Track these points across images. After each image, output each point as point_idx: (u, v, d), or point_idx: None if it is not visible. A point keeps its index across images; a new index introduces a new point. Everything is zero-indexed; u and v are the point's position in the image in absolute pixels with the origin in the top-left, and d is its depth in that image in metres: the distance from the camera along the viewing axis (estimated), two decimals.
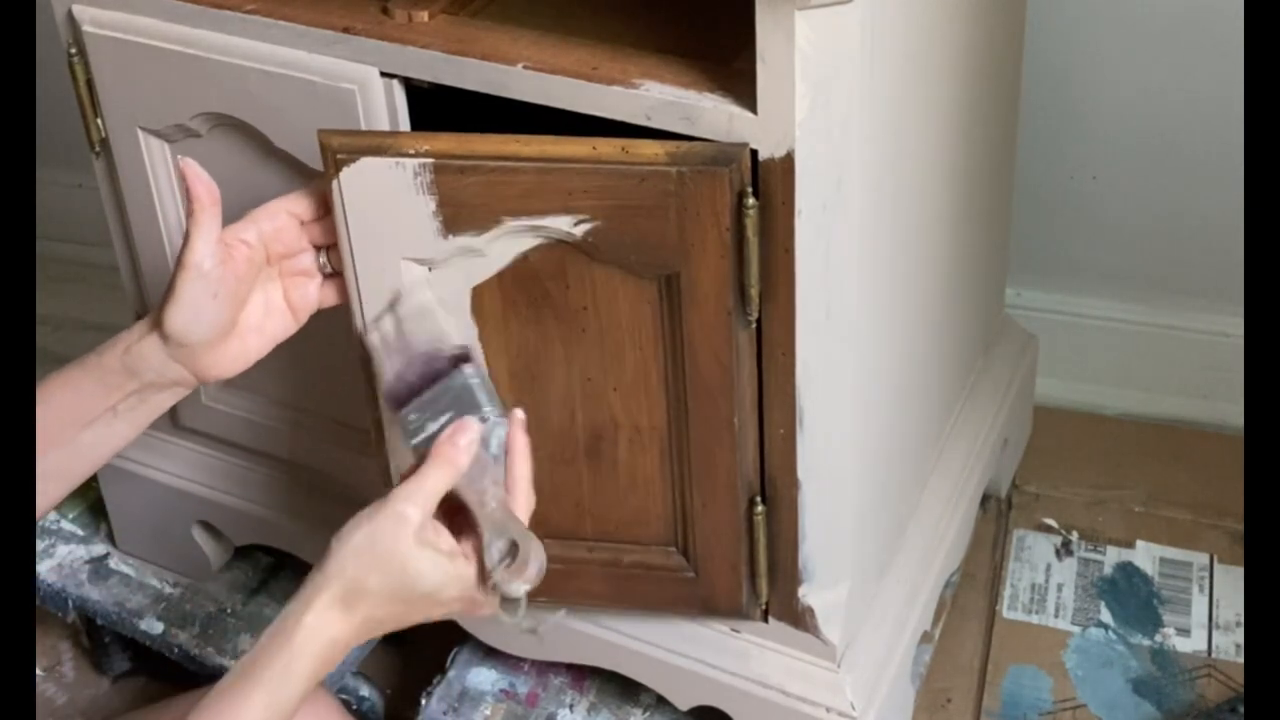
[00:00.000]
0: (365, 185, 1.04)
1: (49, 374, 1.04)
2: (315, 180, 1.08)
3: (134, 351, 1.03)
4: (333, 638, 0.93)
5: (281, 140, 1.16)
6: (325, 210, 1.06)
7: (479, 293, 1.09)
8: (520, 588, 0.95)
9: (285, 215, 1.06)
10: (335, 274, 1.09)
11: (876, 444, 1.21)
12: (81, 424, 1.03)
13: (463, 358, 1.01)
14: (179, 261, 1.01)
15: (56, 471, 1.03)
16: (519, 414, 1.00)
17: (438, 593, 0.95)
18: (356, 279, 1.08)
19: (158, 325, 1.02)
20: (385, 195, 1.04)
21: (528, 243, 1.06)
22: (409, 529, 0.93)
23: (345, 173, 1.03)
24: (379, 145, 1.04)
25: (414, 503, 0.94)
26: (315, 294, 1.09)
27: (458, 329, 1.07)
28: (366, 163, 1.03)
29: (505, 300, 1.09)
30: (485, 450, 0.97)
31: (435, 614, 0.97)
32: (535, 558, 0.95)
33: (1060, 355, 1.73)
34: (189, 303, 1.01)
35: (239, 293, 1.04)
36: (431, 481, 0.95)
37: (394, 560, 0.93)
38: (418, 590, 0.94)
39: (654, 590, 1.20)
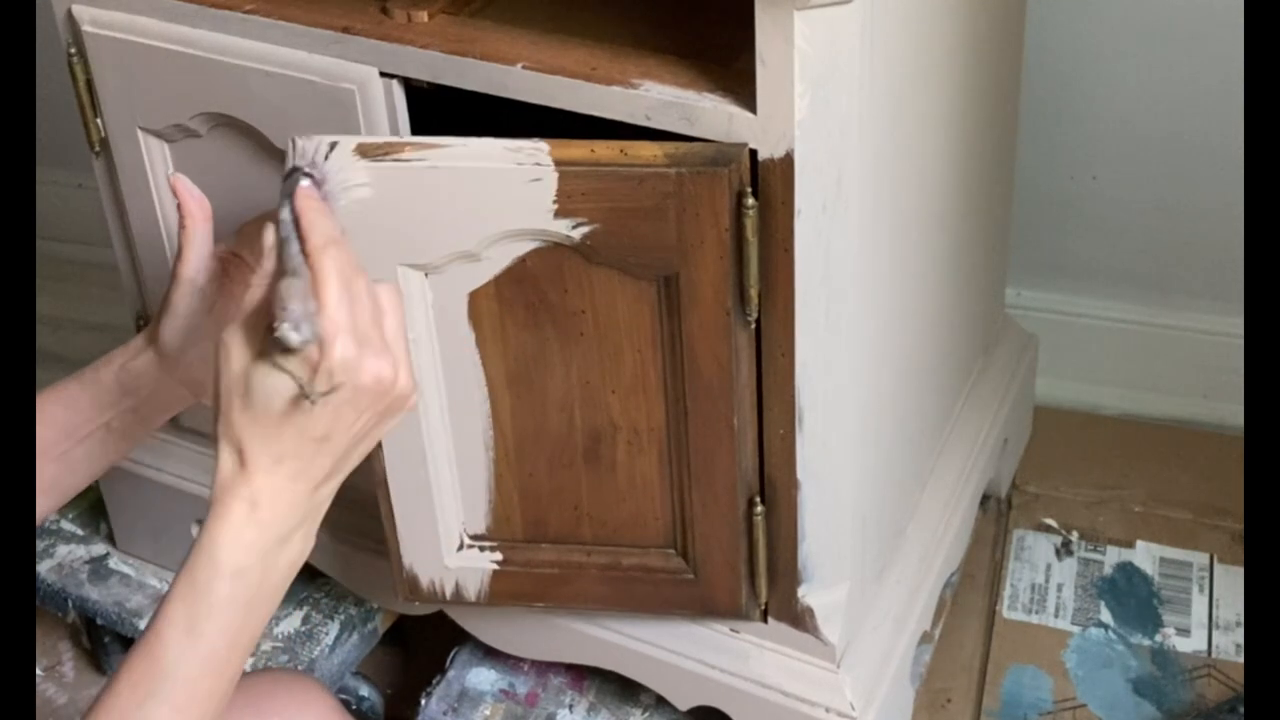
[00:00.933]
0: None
1: (45, 386, 1.03)
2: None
3: (129, 369, 1.03)
4: (247, 499, 0.83)
5: (281, 140, 1.16)
6: None
7: (475, 298, 1.08)
8: (289, 332, 0.81)
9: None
10: None
11: (876, 444, 1.21)
12: (75, 439, 1.03)
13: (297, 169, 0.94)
14: (172, 276, 1.01)
15: (49, 485, 1.03)
16: (302, 184, 0.90)
17: (286, 395, 0.82)
18: None
19: (153, 341, 1.02)
20: (381, 201, 1.04)
21: (525, 246, 1.05)
22: (234, 348, 0.84)
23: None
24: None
25: (233, 326, 0.85)
26: None
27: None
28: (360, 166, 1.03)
29: (502, 305, 1.09)
30: (288, 245, 0.87)
31: (317, 428, 0.83)
32: (301, 305, 0.82)
33: (1060, 355, 1.73)
34: (184, 318, 1.01)
35: (232, 307, 1.03)
36: (248, 300, 0.87)
37: (236, 382, 0.83)
38: (273, 403, 0.82)
39: (653, 592, 1.20)
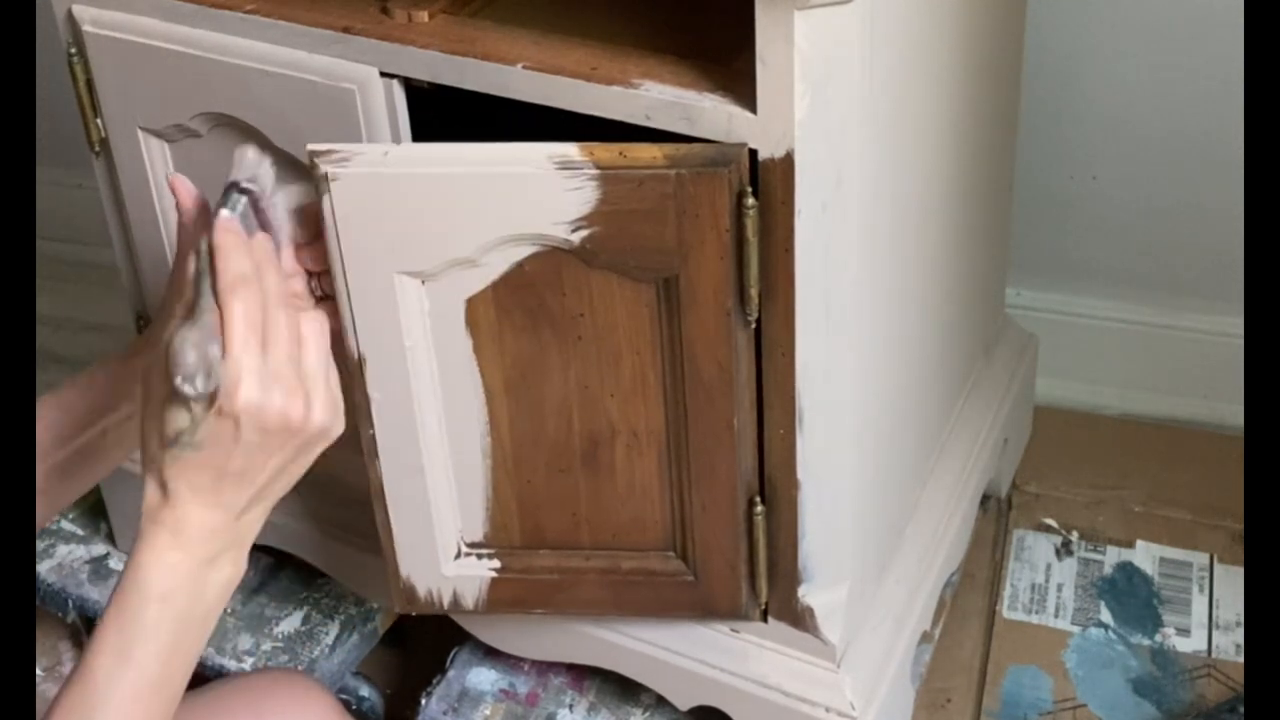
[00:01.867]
0: (357, 200, 1.04)
1: (45, 386, 1.03)
2: (307, 202, 1.06)
3: (128, 368, 1.03)
4: (170, 526, 0.84)
5: (281, 140, 1.16)
6: (317, 232, 1.04)
7: (473, 304, 1.08)
8: (183, 385, 0.83)
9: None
10: (326, 298, 1.08)
11: (876, 444, 1.21)
12: (72, 443, 1.02)
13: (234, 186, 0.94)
14: (170, 279, 1.01)
15: (44, 490, 1.03)
16: (222, 215, 0.90)
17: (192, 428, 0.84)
18: (349, 296, 1.07)
19: (152, 341, 1.02)
20: (378, 209, 1.04)
21: (523, 251, 1.05)
22: (152, 381, 0.86)
23: (336, 187, 1.03)
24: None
25: (151, 355, 0.87)
26: None
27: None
28: (358, 177, 1.03)
29: (500, 310, 1.08)
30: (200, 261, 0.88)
31: (232, 464, 0.84)
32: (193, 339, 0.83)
33: (1060, 355, 1.73)
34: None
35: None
36: (168, 330, 0.87)
37: (154, 416, 0.85)
38: (174, 428, 0.84)
39: (653, 595, 1.20)
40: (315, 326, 0.88)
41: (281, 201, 1.00)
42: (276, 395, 0.84)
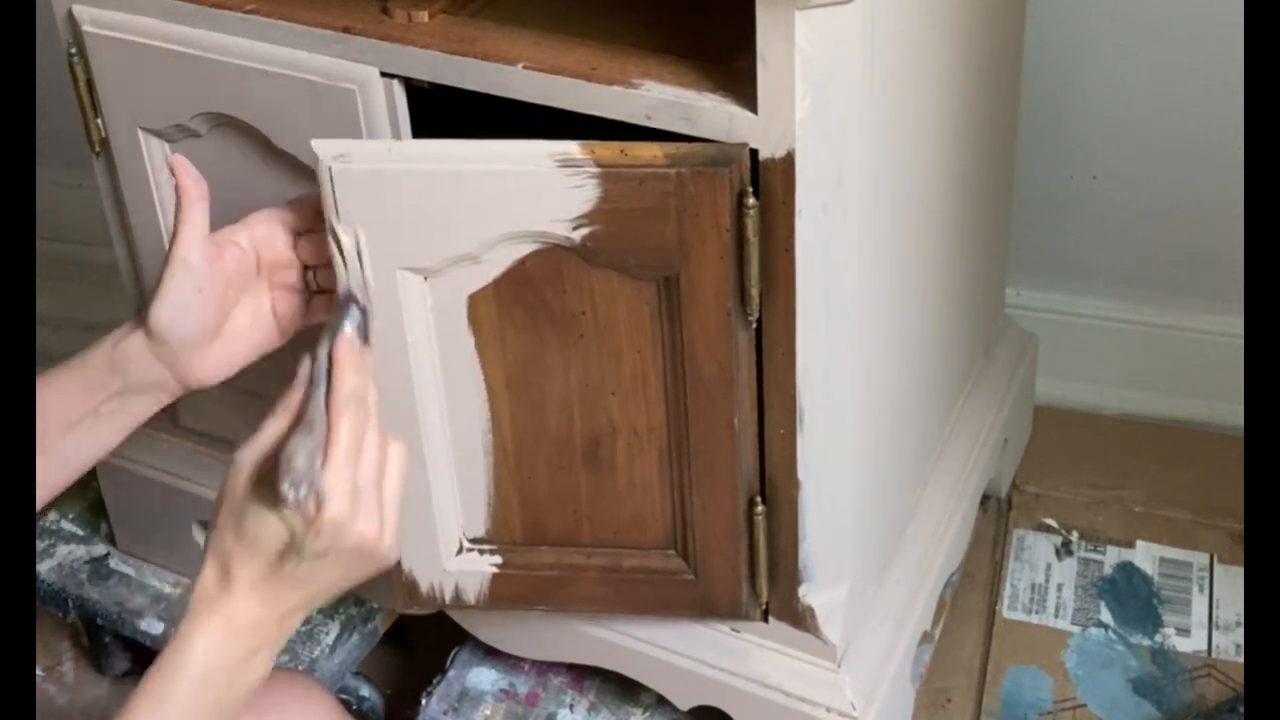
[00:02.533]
0: (360, 195, 1.04)
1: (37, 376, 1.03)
2: (311, 191, 1.07)
3: (120, 349, 1.03)
4: (224, 613, 0.88)
5: (282, 140, 1.16)
6: (318, 221, 1.05)
7: (475, 301, 1.08)
8: (288, 490, 0.87)
9: (278, 223, 1.06)
10: (322, 291, 1.09)
11: (876, 444, 1.21)
12: (64, 427, 1.03)
13: (349, 298, 0.99)
14: (167, 256, 1.02)
15: (41, 479, 1.03)
16: (345, 330, 0.94)
17: (278, 539, 0.88)
18: None
19: (144, 321, 1.03)
20: (382, 203, 1.04)
21: (525, 248, 1.05)
22: (241, 476, 0.90)
23: (339, 179, 1.03)
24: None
25: (247, 448, 0.91)
26: (302, 310, 1.09)
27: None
28: (361, 172, 1.03)
29: (501, 307, 1.09)
30: (317, 390, 0.93)
31: (299, 571, 0.88)
32: (304, 475, 0.87)
33: (1060, 355, 1.73)
34: (174, 296, 1.02)
35: (226, 294, 1.04)
36: (268, 429, 0.92)
37: (235, 510, 0.89)
38: (263, 541, 0.88)
39: (654, 593, 1.20)
40: (401, 456, 0.93)
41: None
42: (361, 516, 0.89)
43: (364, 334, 0.97)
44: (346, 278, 1.03)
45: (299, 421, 0.91)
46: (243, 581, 0.89)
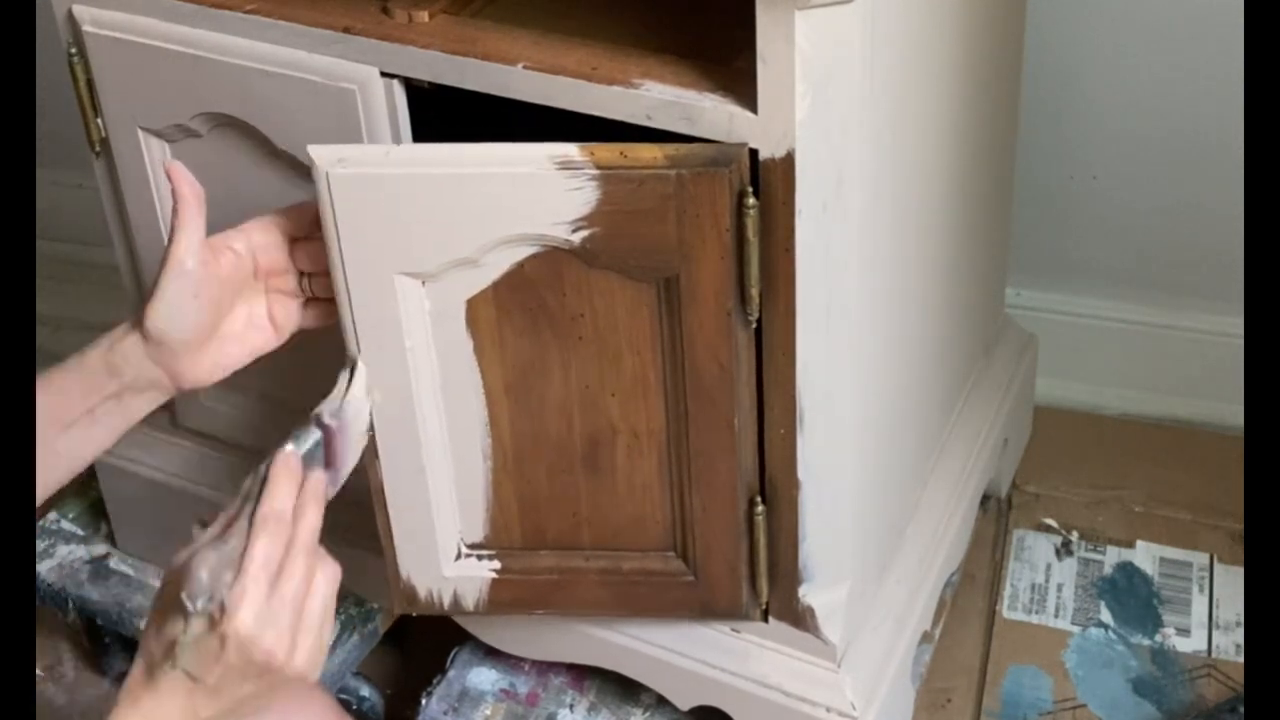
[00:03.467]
0: (358, 200, 1.04)
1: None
2: (309, 197, 1.06)
3: (116, 351, 1.03)
4: (144, 711, 0.90)
5: (282, 140, 1.16)
6: (316, 228, 1.05)
7: (473, 304, 1.08)
8: (186, 600, 0.89)
9: (276, 229, 1.06)
10: (317, 300, 1.09)
11: (876, 444, 1.21)
12: (61, 427, 1.03)
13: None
14: (163, 259, 1.02)
15: (39, 477, 1.03)
16: (286, 448, 0.97)
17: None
18: (349, 296, 1.07)
19: (140, 323, 1.03)
20: (379, 209, 1.04)
21: (524, 251, 1.05)
22: (170, 580, 0.92)
23: (336, 187, 1.03)
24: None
25: (182, 553, 0.93)
26: (298, 314, 1.09)
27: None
28: (359, 177, 1.03)
29: (500, 311, 1.08)
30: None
31: (209, 679, 0.89)
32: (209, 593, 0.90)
33: (1060, 355, 1.73)
34: (171, 299, 1.02)
35: (222, 298, 1.04)
36: (203, 537, 0.94)
37: (161, 611, 0.91)
38: (172, 633, 0.90)
39: (654, 595, 1.20)
40: (328, 577, 0.94)
41: (361, 424, 1.08)
42: (269, 634, 0.89)
43: (318, 458, 1.00)
44: (332, 398, 1.06)
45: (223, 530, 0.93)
46: (161, 684, 0.90)
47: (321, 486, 0.97)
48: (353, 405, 1.07)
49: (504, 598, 1.22)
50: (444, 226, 1.04)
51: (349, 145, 1.05)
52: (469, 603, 1.22)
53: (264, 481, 0.94)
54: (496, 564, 1.21)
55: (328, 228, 1.04)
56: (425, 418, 1.13)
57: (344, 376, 1.09)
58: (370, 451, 1.14)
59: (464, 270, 1.06)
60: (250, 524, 0.92)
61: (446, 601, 1.22)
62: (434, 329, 1.10)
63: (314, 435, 1.01)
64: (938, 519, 1.40)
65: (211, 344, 1.05)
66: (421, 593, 1.22)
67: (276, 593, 0.90)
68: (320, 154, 1.03)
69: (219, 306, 1.04)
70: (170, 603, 0.90)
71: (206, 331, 1.04)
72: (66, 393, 1.03)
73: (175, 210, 1.02)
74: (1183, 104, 1.60)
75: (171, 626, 0.89)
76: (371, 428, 1.11)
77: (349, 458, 1.07)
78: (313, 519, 0.94)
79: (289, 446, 0.97)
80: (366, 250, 1.05)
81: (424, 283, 1.07)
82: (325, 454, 1.03)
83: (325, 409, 1.04)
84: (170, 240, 1.02)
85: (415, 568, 1.21)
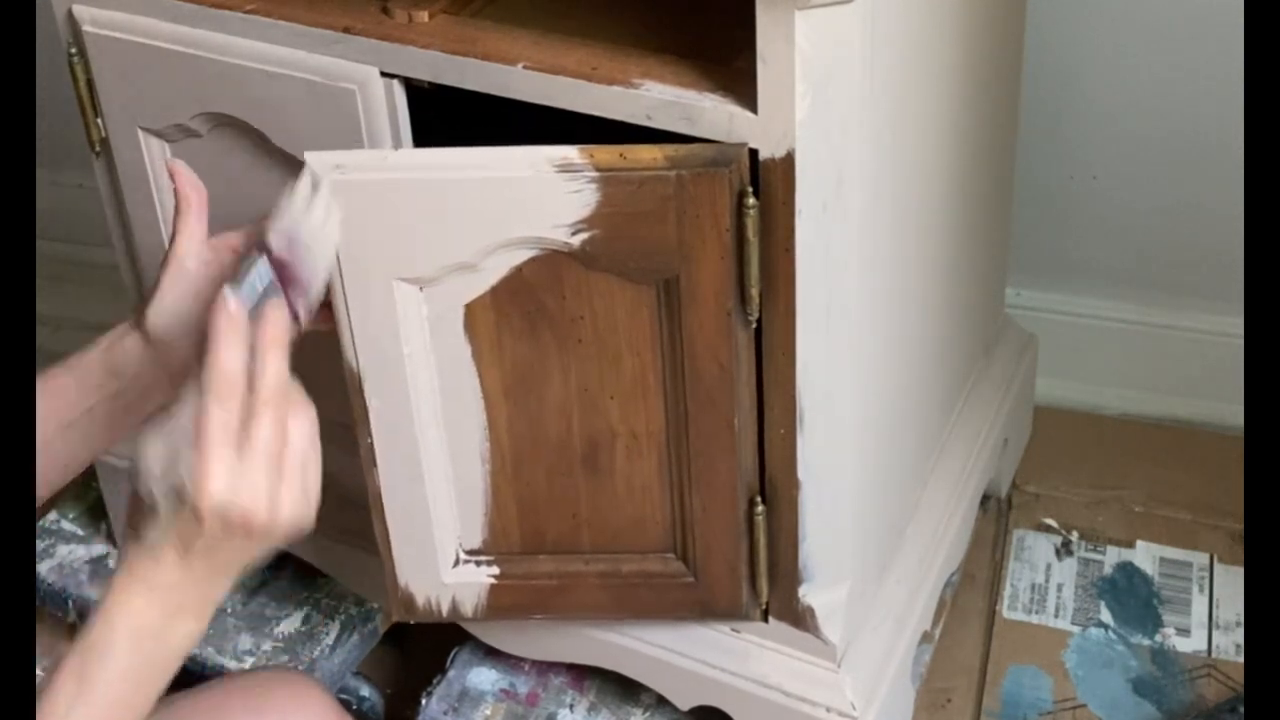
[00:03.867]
0: (355, 206, 1.03)
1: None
2: None
3: (115, 351, 1.03)
4: (143, 577, 0.87)
5: (282, 140, 1.16)
6: None
7: (472, 309, 1.08)
8: (144, 491, 0.86)
9: None
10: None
11: (876, 444, 1.21)
12: (60, 427, 1.03)
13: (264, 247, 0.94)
14: (164, 259, 1.02)
15: (39, 475, 1.03)
16: (226, 299, 0.88)
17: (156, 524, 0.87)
18: (347, 302, 1.07)
19: (140, 323, 1.03)
20: (376, 215, 1.04)
21: (522, 255, 1.05)
22: (145, 446, 0.88)
23: (334, 190, 1.02)
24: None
25: (150, 428, 0.88)
26: None
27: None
28: (356, 183, 1.03)
29: (499, 315, 1.08)
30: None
31: (194, 544, 0.86)
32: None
33: (1060, 355, 1.73)
34: (171, 301, 1.02)
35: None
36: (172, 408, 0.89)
37: (136, 482, 0.88)
38: (148, 524, 0.87)
39: (653, 597, 1.20)
40: (301, 422, 0.88)
41: (328, 234, 0.99)
42: (244, 496, 0.85)
43: (273, 285, 0.91)
44: (279, 216, 0.95)
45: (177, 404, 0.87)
46: (155, 555, 0.87)
47: (281, 327, 0.89)
48: (310, 222, 0.97)
49: (503, 603, 1.22)
50: (442, 231, 1.04)
51: (346, 151, 1.04)
52: (468, 609, 1.22)
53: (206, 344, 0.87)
54: (495, 569, 1.20)
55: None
56: (423, 423, 1.13)
57: (295, 189, 0.98)
58: (369, 458, 1.14)
59: (462, 275, 1.06)
60: (199, 393, 0.85)
61: (445, 608, 1.22)
62: (432, 334, 1.09)
63: (260, 271, 0.92)
64: (938, 519, 1.40)
65: None
66: (420, 600, 1.22)
67: (246, 453, 0.85)
68: (317, 160, 1.02)
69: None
70: (145, 478, 0.87)
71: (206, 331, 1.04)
72: (65, 393, 1.03)
73: (177, 210, 1.02)
74: (1183, 104, 1.60)
75: (147, 514, 0.87)
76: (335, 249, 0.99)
77: (314, 282, 0.97)
78: (274, 365, 0.87)
79: (227, 292, 0.87)
80: (364, 256, 1.05)
81: (422, 288, 1.07)
82: (283, 283, 0.94)
83: (272, 235, 0.94)
84: (171, 240, 1.02)
85: (413, 575, 1.20)
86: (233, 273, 0.91)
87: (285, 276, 0.95)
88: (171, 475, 0.85)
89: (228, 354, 0.87)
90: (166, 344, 1.03)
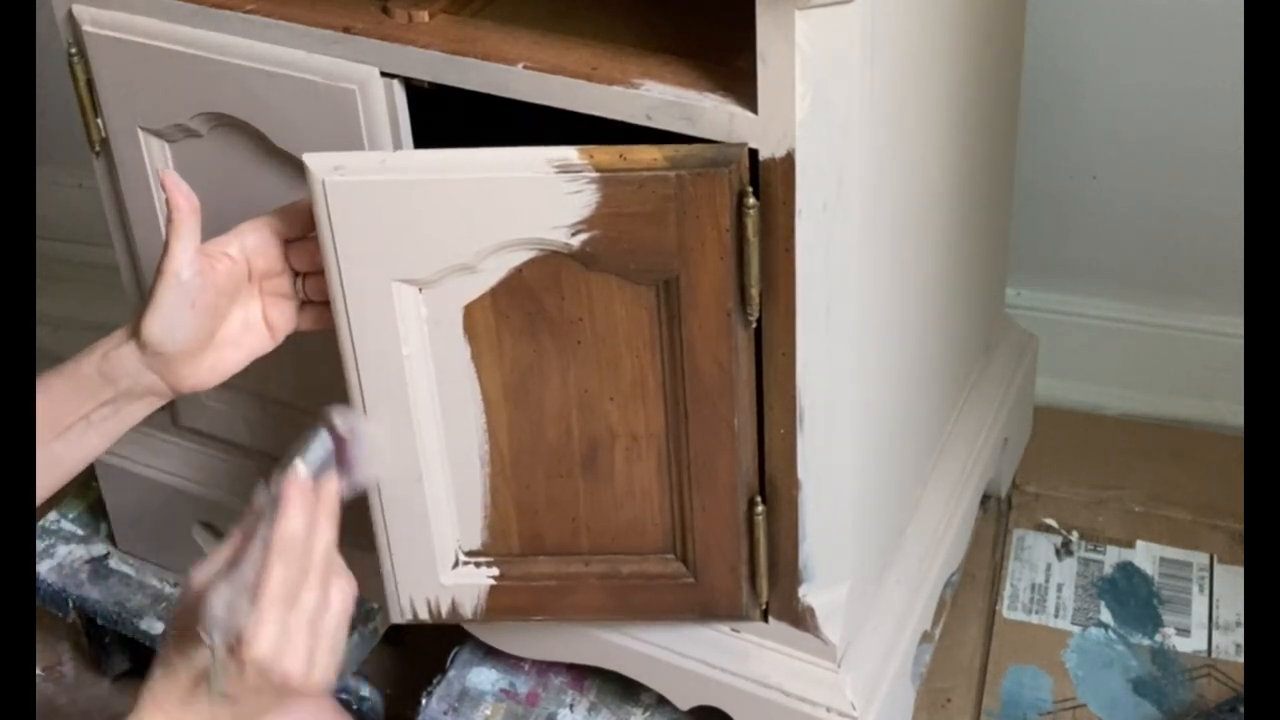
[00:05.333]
0: (354, 207, 1.03)
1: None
2: (302, 197, 1.06)
3: (111, 358, 1.03)
4: (165, 712, 0.91)
5: (281, 140, 1.16)
6: (310, 228, 1.05)
7: (471, 310, 1.08)
8: (202, 634, 0.91)
9: (269, 231, 1.06)
10: (311, 303, 1.09)
11: (876, 444, 1.21)
12: (55, 432, 1.03)
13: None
14: (158, 269, 1.02)
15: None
16: (298, 468, 0.95)
17: (202, 666, 0.91)
18: (345, 304, 1.07)
19: (136, 333, 1.03)
20: (375, 216, 1.04)
21: (522, 256, 1.05)
22: (190, 595, 0.92)
23: (332, 194, 1.03)
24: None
25: (200, 568, 0.93)
26: (294, 316, 1.09)
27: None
28: (355, 184, 1.03)
29: (498, 316, 1.08)
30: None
31: (243, 703, 0.91)
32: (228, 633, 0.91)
33: (1060, 355, 1.73)
34: (167, 311, 1.02)
35: (218, 305, 1.04)
36: (219, 552, 0.94)
37: (180, 626, 0.93)
38: (190, 663, 0.92)
39: (653, 598, 1.20)
40: (343, 592, 0.94)
41: (382, 448, 1.07)
42: (287, 658, 0.90)
43: (330, 467, 0.98)
44: (341, 414, 1.02)
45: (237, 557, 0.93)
46: (177, 689, 0.91)
47: (334, 500, 0.96)
48: (368, 428, 1.05)
49: (502, 605, 1.22)
50: (441, 233, 1.04)
51: (345, 153, 1.04)
52: (467, 611, 1.22)
53: (276, 501, 0.93)
54: (495, 571, 1.20)
55: (324, 235, 1.04)
56: (422, 425, 1.12)
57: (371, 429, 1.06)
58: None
59: (461, 276, 1.06)
60: (264, 549, 0.91)
61: (444, 610, 1.22)
62: (431, 335, 1.09)
63: (324, 445, 0.99)
64: (938, 519, 1.40)
65: (209, 350, 1.05)
66: (419, 601, 1.22)
67: (293, 615, 0.91)
68: (316, 161, 1.02)
69: (215, 314, 1.04)
70: (192, 624, 0.91)
71: (204, 339, 1.04)
72: (61, 399, 1.03)
73: (170, 220, 1.02)
74: (1182, 103, 1.60)
75: (196, 652, 0.90)
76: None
77: (363, 466, 1.04)
78: (327, 535, 0.94)
79: (299, 463, 0.95)
80: (363, 258, 1.05)
81: (421, 289, 1.07)
82: (338, 461, 1.00)
83: (338, 416, 1.02)
84: (165, 251, 1.02)
85: (412, 577, 1.20)
86: (299, 445, 0.97)
87: (340, 456, 1.00)
88: (232, 622, 0.90)
89: (296, 520, 0.93)
90: (163, 353, 1.03)
